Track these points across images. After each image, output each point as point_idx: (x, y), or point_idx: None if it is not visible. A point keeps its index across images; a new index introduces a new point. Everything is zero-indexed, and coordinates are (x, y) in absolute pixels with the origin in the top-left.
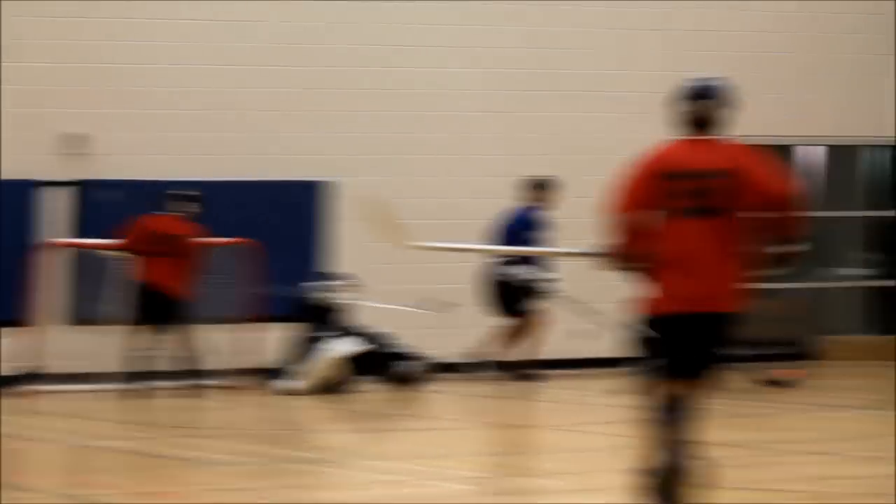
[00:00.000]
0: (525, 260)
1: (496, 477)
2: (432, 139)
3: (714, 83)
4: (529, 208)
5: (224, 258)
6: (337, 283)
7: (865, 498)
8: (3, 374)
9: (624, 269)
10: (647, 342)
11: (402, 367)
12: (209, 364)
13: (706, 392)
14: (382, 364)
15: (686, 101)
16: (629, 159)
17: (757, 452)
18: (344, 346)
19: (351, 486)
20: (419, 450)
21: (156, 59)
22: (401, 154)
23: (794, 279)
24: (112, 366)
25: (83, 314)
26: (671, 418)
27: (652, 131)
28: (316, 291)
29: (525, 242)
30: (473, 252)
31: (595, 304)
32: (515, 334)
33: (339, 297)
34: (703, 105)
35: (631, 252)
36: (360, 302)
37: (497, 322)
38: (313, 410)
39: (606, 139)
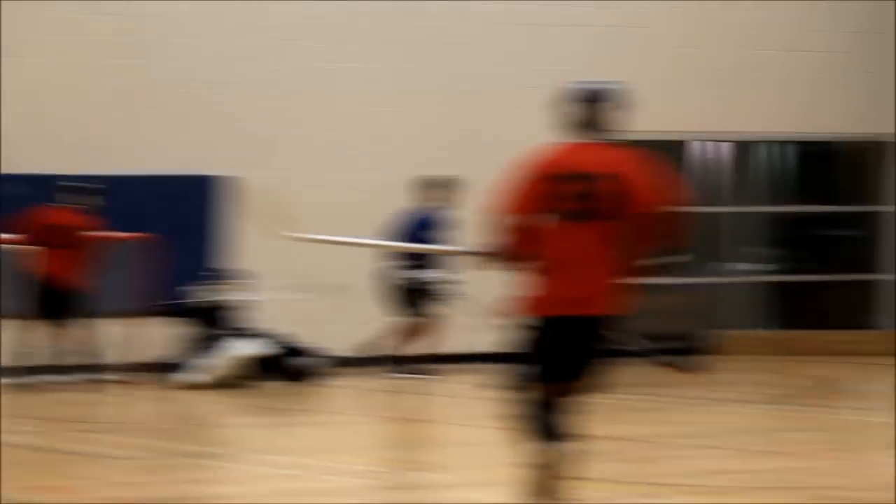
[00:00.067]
0: (424, 261)
1: (390, 471)
2: (329, 135)
3: (603, 86)
4: (428, 208)
5: (122, 252)
6: (229, 280)
7: (760, 492)
8: None
9: (506, 269)
10: (527, 343)
11: (298, 362)
12: (106, 358)
13: (586, 393)
14: (279, 361)
15: (574, 103)
16: (517, 159)
17: (653, 446)
18: (242, 346)
19: (245, 481)
20: (314, 444)
21: (46, 55)
22: (297, 149)
23: (692, 274)
24: (7, 359)
25: None
26: (546, 417)
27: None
28: (207, 291)
29: (423, 242)
30: (357, 246)
31: (490, 300)
32: (412, 331)
33: (232, 296)
34: (591, 108)
35: (515, 253)
36: (252, 298)
37: (394, 319)
38: (210, 405)
39: (507, 135)
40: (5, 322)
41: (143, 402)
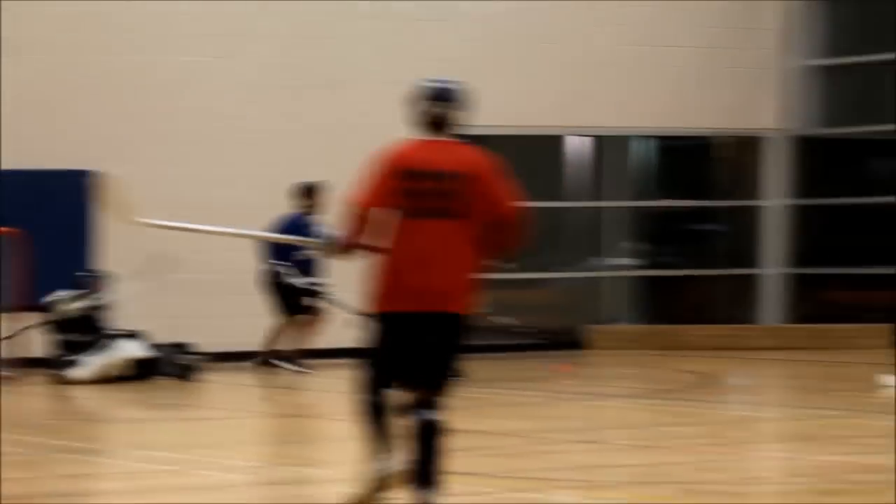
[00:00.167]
0: (300, 263)
1: (268, 466)
2: (203, 130)
3: (452, 85)
4: (298, 214)
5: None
6: (101, 281)
7: (635, 487)
8: None
9: (356, 259)
10: (373, 339)
11: (176, 359)
12: None
13: (438, 390)
14: (157, 360)
15: (425, 101)
16: (373, 153)
17: (527, 441)
18: (119, 346)
19: (122, 476)
20: (192, 440)
21: None
22: (167, 145)
23: (563, 268)
24: None
25: None
26: (386, 414)
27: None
28: (80, 294)
29: (294, 248)
30: (211, 234)
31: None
32: (288, 329)
33: (104, 297)
34: (441, 106)
35: (363, 246)
36: (119, 296)
37: (272, 316)
38: (87, 401)
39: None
40: None
41: (20, 398)
